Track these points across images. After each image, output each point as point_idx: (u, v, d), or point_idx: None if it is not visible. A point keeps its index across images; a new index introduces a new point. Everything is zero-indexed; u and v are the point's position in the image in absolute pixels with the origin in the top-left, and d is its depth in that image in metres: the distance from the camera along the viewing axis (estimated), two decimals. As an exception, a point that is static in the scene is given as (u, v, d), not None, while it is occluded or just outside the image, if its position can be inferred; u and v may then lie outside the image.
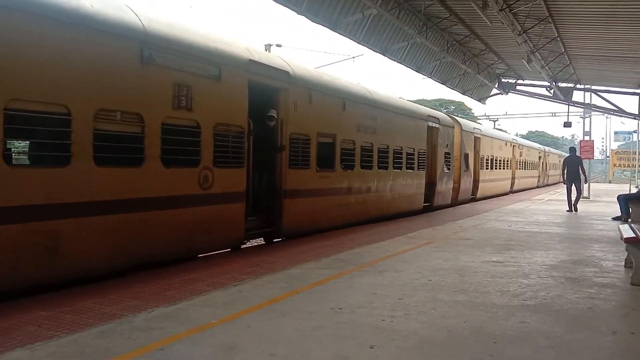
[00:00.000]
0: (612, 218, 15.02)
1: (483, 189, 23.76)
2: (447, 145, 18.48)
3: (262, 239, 10.06)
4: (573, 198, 17.99)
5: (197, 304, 5.28)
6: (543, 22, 16.38)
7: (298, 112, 10.03)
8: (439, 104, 69.69)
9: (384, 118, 13.69)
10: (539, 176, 40.90)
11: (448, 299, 5.68)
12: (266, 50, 25.64)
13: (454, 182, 19.29)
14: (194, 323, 4.65)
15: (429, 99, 72.10)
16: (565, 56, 21.32)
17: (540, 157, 41.37)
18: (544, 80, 25.37)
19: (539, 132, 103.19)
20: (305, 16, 14.67)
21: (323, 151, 11.06)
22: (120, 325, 4.56)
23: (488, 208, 18.51)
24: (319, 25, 15.47)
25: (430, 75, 24.03)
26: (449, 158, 18.69)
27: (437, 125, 17.51)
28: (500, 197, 25.86)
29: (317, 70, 11.81)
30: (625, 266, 7.65)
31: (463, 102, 74.81)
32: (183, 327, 4.54)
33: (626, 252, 7.36)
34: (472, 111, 73.53)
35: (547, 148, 49.35)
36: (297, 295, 5.75)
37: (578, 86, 27.68)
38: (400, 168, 14.75)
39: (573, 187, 18.09)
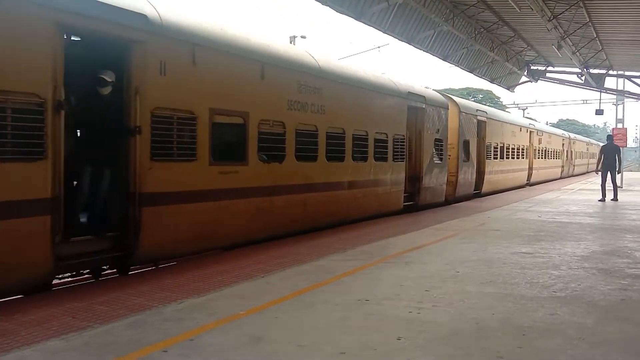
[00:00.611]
0: (647, 207, 14.62)
1: (490, 182, 20.45)
2: (439, 130, 15.15)
3: (113, 268, 6.90)
4: (609, 189, 17.51)
5: (225, 295, 5.36)
6: (574, 7, 15.97)
7: (169, 78, 6.90)
8: (467, 92, 68.70)
9: (337, 93, 10.50)
10: (562, 166, 36.87)
11: (476, 290, 5.63)
12: (291, 43, 25.64)
13: (449, 175, 16.20)
14: (222, 314, 4.71)
15: (457, 87, 71.14)
16: (597, 41, 20.77)
17: (564, 145, 37.26)
18: (574, 66, 24.79)
19: (570, 120, 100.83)
20: (330, 6, 14.62)
21: (224, 136, 8.12)
22: (151, 316, 4.66)
23: (515, 199, 18.21)
24: (343, 15, 15.40)
25: (457, 63, 23.72)
26: (441, 146, 15.31)
27: (423, 105, 14.08)
28: (519, 189, 23.86)
29: (211, 20, 8.19)
30: (660, 257, 7.46)
31: (491, 91, 73.60)
32: (212, 318, 4.61)
33: (661, 243, 7.17)
34: (501, 99, 72.38)
35: (572, 135, 45.30)
36: (324, 286, 5.77)
37: (610, 72, 26.97)
38: (364, 159, 11.55)
39: (609, 176, 17.61)
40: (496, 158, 21.06)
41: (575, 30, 18.30)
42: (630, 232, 10.23)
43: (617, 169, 17.91)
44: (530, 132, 27.16)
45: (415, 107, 13.77)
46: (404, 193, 13.35)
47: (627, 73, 27.91)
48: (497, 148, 21.19)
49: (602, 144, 59.14)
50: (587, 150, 50.76)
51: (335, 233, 9.76)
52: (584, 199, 18.05)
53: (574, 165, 41.52)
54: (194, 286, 5.70)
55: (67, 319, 4.58)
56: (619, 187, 18.44)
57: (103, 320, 4.53)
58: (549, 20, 16.11)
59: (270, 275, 6.24)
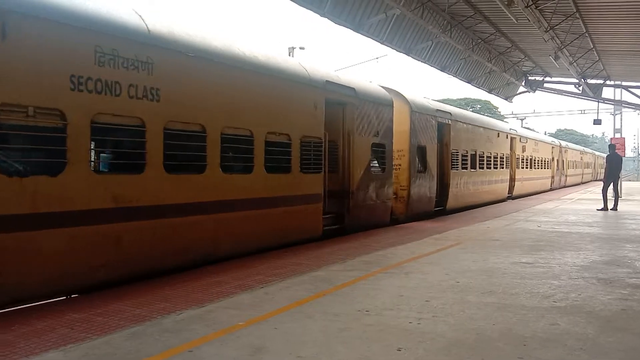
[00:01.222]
0: (646, 217, 14.63)
1: (458, 196, 17.12)
2: (379, 132, 12.21)
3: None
4: (610, 198, 17.57)
5: (224, 306, 5.34)
6: (570, 18, 16.09)
7: None
8: (465, 102, 68.94)
9: (187, 72, 7.27)
10: (552, 177, 33.06)
11: (476, 300, 5.61)
12: (289, 55, 25.75)
13: (399, 189, 13.61)
14: (221, 325, 4.69)
15: (455, 98, 71.43)
16: (594, 52, 20.90)
17: (554, 153, 33.45)
18: (572, 77, 24.93)
19: (568, 130, 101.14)
20: (328, 18, 14.72)
21: None
22: (151, 327, 4.64)
23: (514, 209, 18.21)
24: (341, 26, 15.51)
25: (455, 74, 23.85)
26: (383, 153, 12.57)
27: (353, 100, 11.25)
28: (499, 203, 20.72)
29: None
30: (660, 266, 7.45)
31: (489, 101, 73.89)
32: (211, 329, 4.59)
33: (661, 252, 7.16)
34: (499, 110, 72.58)
35: (564, 142, 41.01)
36: (324, 297, 5.76)
37: (608, 82, 27.12)
38: (247, 170, 8.50)
39: (611, 185, 17.70)
40: (465, 168, 17.69)
41: (572, 41, 18.43)
42: (630, 241, 10.22)
43: (618, 178, 17.99)
44: (512, 138, 23.86)
45: (339, 101, 10.91)
46: (325, 214, 10.53)
47: (624, 83, 28.05)
48: (466, 156, 17.78)
49: (597, 153, 57.66)
50: (582, 159, 47.32)
51: (335, 243, 9.74)
52: (583, 209, 18.05)
53: (566, 176, 37.95)
54: (193, 297, 5.67)
55: (66, 330, 4.56)
56: (620, 197, 18.47)
57: (102, 331, 4.51)
58: (546, 31, 16.22)
59: (269, 286, 6.22)
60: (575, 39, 18.31)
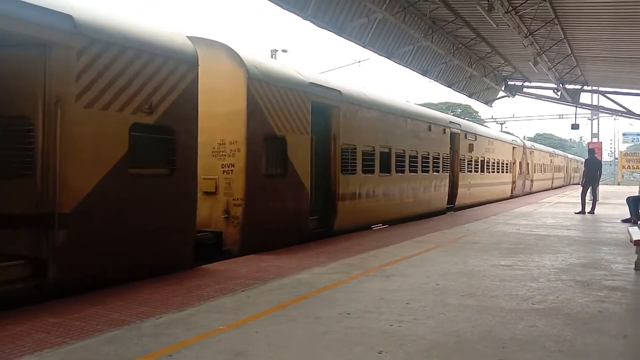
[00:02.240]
0: (622, 220, 14.91)
1: (356, 210, 12.20)
2: (154, 107, 6.86)
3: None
4: (588, 201, 17.85)
5: (205, 310, 5.29)
6: (549, 24, 16.36)
7: None
8: (446, 107, 69.55)
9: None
10: (513, 182, 28.23)
11: (456, 303, 5.65)
12: (272, 57, 25.70)
13: (232, 204, 8.84)
14: (202, 329, 4.65)
15: (436, 102, 72.04)
16: (572, 58, 21.27)
17: (516, 155, 28.63)
18: (550, 82, 25.32)
19: (547, 134, 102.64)
20: (311, 21, 14.75)
21: None
22: (129, 331, 4.57)
23: (494, 212, 18.40)
24: (324, 29, 15.54)
25: (436, 78, 24.06)
26: (170, 144, 7.25)
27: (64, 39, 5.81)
28: (431, 218, 15.83)
29: None
30: (635, 269, 7.58)
31: (470, 105, 74.62)
32: (191, 333, 4.54)
33: (636, 255, 7.30)
34: (479, 114, 73.41)
35: (529, 143, 35.40)
36: (305, 300, 5.74)
37: (585, 88, 27.62)
38: None
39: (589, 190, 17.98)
40: (371, 172, 12.86)
41: (550, 47, 18.72)
42: (606, 244, 10.40)
43: (597, 183, 18.30)
44: (454, 134, 18.72)
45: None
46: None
47: (601, 89, 28.60)
48: (372, 154, 12.91)
49: (571, 156, 56.96)
50: (552, 162, 41.70)
51: (316, 247, 9.73)
52: (561, 212, 18.33)
53: (531, 181, 33.07)
54: (173, 301, 5.61)
55: (42, 335, 4.47)
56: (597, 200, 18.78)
57: (79, 336, 4.43)
58: (526, 37, 16.45)
59: (251, 289, 6.19)
60: (553, 45, 18.61)
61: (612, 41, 18.50)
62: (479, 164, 21.82)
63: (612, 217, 16.30)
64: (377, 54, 18.82)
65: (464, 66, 23.03)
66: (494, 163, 24.07)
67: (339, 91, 11.59)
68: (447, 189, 17.99)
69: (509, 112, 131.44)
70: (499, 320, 5.04)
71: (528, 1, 14.49)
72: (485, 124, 54.35)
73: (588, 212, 17.51)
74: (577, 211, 17.72)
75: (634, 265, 7.72)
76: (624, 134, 60.38)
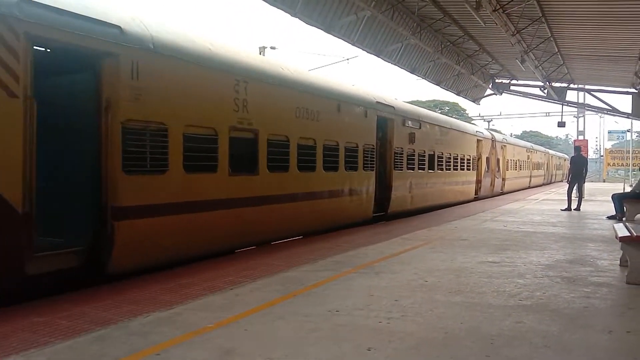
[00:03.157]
0: (607, 217, 15.08)
1: (186, 233, 7.75)
2: None
3: None
4: (574, 198, 18.04)
5: (193, 308, 5.27)
6: (536, 22, 16.45)
7: None
8: (434, 104, 69.88)
9: None
10: (478, 181, 24.32)
11: (445, 299, 5.68)
12: (260, 54, 25.62)
13: None
14: (190, 327, 4.63)
15: (424, 99, 72.36)
16: (559, 56, 21.43)
17: (482, 149, 24.86)
18: (537, 80, 25.48)
19: (534, 132, 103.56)
20: (299, 18, 14.68)
21: None
22: (117, 330, 4.54)
23: (481, 209, 18.52)
24: (313, 27, 15.51)
25: (424, 76, 24.10)
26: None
27: None
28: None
29: None
30: (620, 265, 7.68)
31: (457, 103, 75.13)
32: (179, 331, 4.52)
33: (621, 251, 7.39)
34: (467, 112, 73.84)
35: (500, 136, 31.15)
36: (294, 298, 5.74)
37: (572, 86, 27.81)
38: None
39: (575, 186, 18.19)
40: (213, 169, 8.28)
41: (537, 45, 18.83)
42: (592, 241, 10.51)
43: (583, 180, 18.51)
44: (385, 119, 14.32)
45: None
46: None
47: (587, 87, 28.83)
48: (210, 139, 8.26)
49: (552, 152, 56.47)
50: (529, 158, 37.48)
51: (306, 243, 9.73)
52: (547, 209, 18.49)
53: (503, 179, 29.16)
54: (161, 299, 5.58)
55: (28, 334, 4.42)
56: (583, 197, 19.00)
57: (66, 335, 4.39)
58: (513, 35, 16.54)
59: (240, 287, 6.17)
60: (540, 43, 18.72)
61: (598, 40, 18.66)
62: (426, 160, 17.48)
63: (598, 214, 16.47)
64: (365, 52, 18.82)
65: (452, 64, 23.11)
66: (449, 158, 19.78)
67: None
68: (371, 192, 13.43)
69: (497, 109, 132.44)
70: (487, 316, 5.08)
71: (515, -1, 14.58)
72: (473, 121, 54.61)
73: (574, 209, 17.69)
74: (564, 208, 17.91)
75: (619, 262, 7.81)
76: (609, 132, 60.91)
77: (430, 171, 17.94)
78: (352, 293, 5.94)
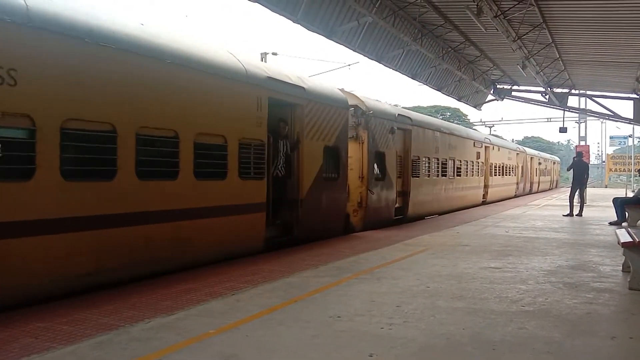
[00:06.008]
0: (609, 223, 15.04)
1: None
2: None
3: None
4: (576, 204, 18.01)
5: (194, 314, 5.26)
6: (537, 28, 16.49)
7: None
8: (435, 110, 69.93)
9: None
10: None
11: (446, 305, 5.67)
12: (262, 60, 25.68)
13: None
14: (191, 333, 4.62)
15: (425, 105, 72.38)
16: (560, 62, 21.46)
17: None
18: (539, 85, 25.52)
19: (535, 137, 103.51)
20: (301, 24, 14.75)
21: None
22: (118, 335, 4.53)
23: (483, 215, 18.49)
24: (314, 33, 15.56)
25: (425, 82, 24.17)
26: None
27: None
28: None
29: None
30: (622, 271, 7.65)
31: (459, 109, 75.13)
32: (181, 337, 4.51)
33: (623, 257, 7.36)
34: (468, 117, 73.87)
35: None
36: (296, 303, 5.73)
37: (573, 91, 27.84)
38: None
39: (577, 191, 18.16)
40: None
41: (539, 51, 18.87)
42: (594, 246, 10.49)
43: (585, 185, 18.49)
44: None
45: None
46: None
47: (588, 92, 28.85)
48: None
49: (546, 155, 55.76)
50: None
51: (307, 249, 9.72)
52: (549, 214, 18.46)
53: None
54: (162, 305, 5.57)
55: (29, 340, 4.42)
56: (585, 203, 18.97)
57: (67, 340, 4.38)
58: (514, 41, 16.57)
59: (241, 293, 6.16)
60: (542, 49, 18.76)
61: (599, 45, 18.70)
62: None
63: (600, 220, 16.44)
64: (367, 58, 18.87)
65: (453, 70, 23.15)
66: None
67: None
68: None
69: (498, 115, 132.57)
70: (489, 322, 5.06)
71: (516, 5, 14.60)
72: (474, 127, 54.61)
73: (576, 215, 17.66)
74: (565, 213, 17.87)
75: (621, 267, 7.79)
76: (611, 137, 60.96)
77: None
78: (354, 299, 5.93)
